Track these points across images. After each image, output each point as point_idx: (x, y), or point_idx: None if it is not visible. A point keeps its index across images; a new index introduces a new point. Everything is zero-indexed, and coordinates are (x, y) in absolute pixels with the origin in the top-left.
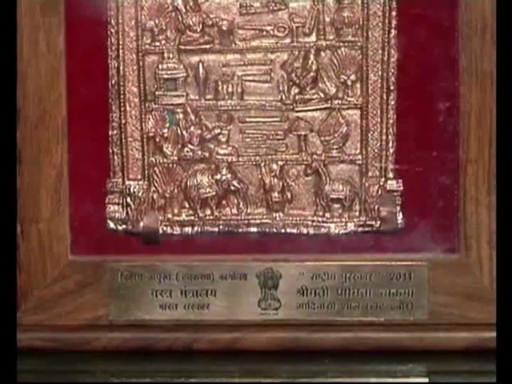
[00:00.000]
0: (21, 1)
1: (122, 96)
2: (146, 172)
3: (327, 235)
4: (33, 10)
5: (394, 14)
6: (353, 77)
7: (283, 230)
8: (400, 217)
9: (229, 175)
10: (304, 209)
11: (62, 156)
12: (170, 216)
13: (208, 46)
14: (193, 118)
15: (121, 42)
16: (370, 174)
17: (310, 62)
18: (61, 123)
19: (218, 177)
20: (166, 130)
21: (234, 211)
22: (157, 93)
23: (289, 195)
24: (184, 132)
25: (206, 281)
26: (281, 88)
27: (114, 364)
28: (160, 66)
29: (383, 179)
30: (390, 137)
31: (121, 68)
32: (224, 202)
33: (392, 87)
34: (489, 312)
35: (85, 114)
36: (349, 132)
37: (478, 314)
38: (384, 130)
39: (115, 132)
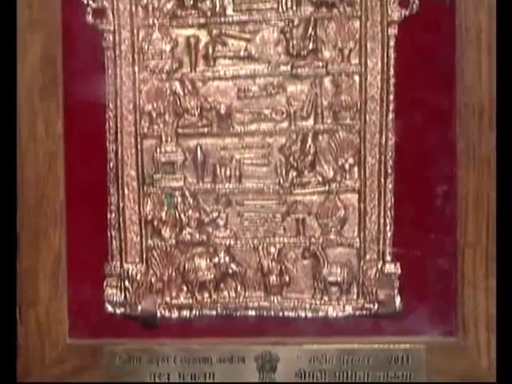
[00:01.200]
0: (20, 85)
1: (120, 179)
2: (144, 255)
3: (325, 318)
4: (31, 95)
5: (391, 97)
6: (350, 160)
7: (281, 314)
8: (398, 300)
9: (227, 258)
10: (302, 292)
11: (60, 240)
12: (168, 299)
13: (206, 130)
14: (191, 201)
15: (119, 126)
16: (367, 257)
17: (307, 145)
18: (59, 207)
19: (216, 260)
20: (164, 214)
21: (232, 294)
22: (155, 176)
23: (287, 278)
24: (182, 215)
25: (204, 364)
26: (279, 171)
27: None
28: (158, 150)
29: (381, 262)
30: (387, 220)
31: (119, 151)
32: (222, 285)
33: (389, 171)
34: None
35: (83, 198)
36: (346, 215)
37: None
38: (382, 214)
39: (113, 215)
